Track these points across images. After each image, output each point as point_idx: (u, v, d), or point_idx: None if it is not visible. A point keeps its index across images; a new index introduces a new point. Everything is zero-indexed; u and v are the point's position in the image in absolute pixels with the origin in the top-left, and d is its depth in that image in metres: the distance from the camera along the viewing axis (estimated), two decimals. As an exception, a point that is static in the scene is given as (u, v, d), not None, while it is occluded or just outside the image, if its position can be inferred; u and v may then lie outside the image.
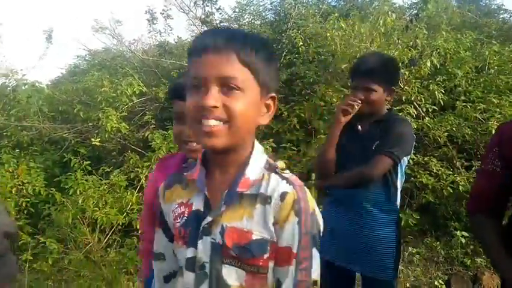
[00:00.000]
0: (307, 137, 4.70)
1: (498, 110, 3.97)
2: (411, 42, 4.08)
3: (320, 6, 5.67)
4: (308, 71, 4.86)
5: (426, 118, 4.20)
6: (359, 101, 1.84)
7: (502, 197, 1.25)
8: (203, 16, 5.32)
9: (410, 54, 4.02)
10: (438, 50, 4.26)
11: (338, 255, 1.91)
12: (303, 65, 4.99)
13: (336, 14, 4.98)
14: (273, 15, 6.17)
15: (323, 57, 5.01)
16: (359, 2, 8.97)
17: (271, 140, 4.24)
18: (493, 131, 3.90)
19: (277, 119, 4.84)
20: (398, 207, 1.89)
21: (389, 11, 4.03)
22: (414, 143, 1.91)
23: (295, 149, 4.36)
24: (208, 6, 5.33)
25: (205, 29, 5.42)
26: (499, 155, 1.21)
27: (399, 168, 1.84)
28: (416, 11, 4.31)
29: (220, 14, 5.65)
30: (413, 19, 4.28)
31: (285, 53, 5.21)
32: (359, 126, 1.93)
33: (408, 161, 1.95)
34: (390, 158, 1.76)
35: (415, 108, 4.25)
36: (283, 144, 4.36)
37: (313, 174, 2.10)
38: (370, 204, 1.84)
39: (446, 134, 3.86)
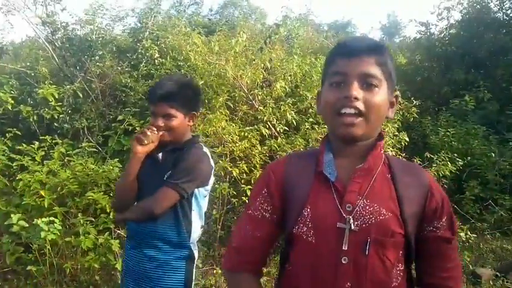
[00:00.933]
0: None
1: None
2: (263, 64, 4.16)
3: (181, 18, 5.47)
4: (166, 85, 4.60)
5: (279, 138, 4.31)
6: (155, 129, 1.66)
7: (268, 249, 1.10)
8: (44, 15, 4.64)
9: (261, 76, 4.08)
10: (290, 74, 4.43)
11: None
12: (161, 78, 4.72)
13: (196, 30, 4.86)
14: (135, 22, 5.78)
15: (182, 71, 4.82)
16: (235, 18, 9.19)
17: (116, 159, 3.83)
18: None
19: (129, 136, 4.46)
20: (193, 242, 1.74)
21: (241, 31, 4.04)
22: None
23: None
24: (51, 5, 4.67)
25: (48, 30, 4.76)
26: (267, 198, 1.07)
27: (194, 200, 1.71)
28: (269, 34, 4.45)
29: (71, 15, 5.03)
30: (267, 41, 4.39)
31: (143, 63, 4.88)
32: (159, 155, 1.74)
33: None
34: (175, 191, 1.60)
35: (269, 128, 4.34)
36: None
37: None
38: (158, 241, 1.68)
39: (291, 155, 3.96)
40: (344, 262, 0.94)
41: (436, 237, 1.01)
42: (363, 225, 0.95)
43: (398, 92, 1.08)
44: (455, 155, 4.59)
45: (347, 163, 1.01)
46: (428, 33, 8.32)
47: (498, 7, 7.98)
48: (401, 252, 0.99)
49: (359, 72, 0.95)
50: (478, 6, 7.86)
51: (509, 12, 7.87)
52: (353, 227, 0.94)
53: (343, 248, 0.94)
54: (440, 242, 1.02)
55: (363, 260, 0.94)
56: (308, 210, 0.99)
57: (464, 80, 6.89)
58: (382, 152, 1.04)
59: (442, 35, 8.20)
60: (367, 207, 0.96)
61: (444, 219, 1.01)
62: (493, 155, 5.03)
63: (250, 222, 1.08)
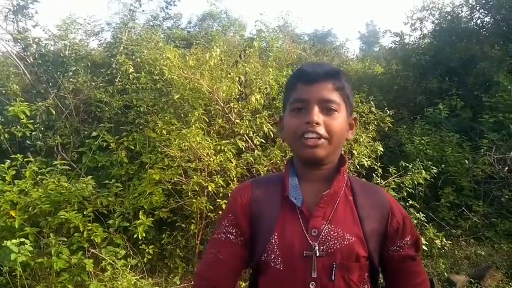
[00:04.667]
0: (140, 170, 4.37)
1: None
2: (238, 78, 4.17)
3: (156, 33, 5.45)
4: (141, 100, 4.58)
5: (256, 151, 4.31)
6: None
7: (234, 272, 1.08)
8: (15, 32, 4.57)
9: (237, 89, 4.09)
10: (265, 86, 4.45)
11: None
12: (136, 93, 4.69)
13: (172, 44, 4.86)
14: (111, 37, 5.74)
15: (158, 85, 4.81)
16: (214, 31, 9.23)
17: (90, 177, 3.77)
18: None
19: (104, 152, 4.41)
20: None
21: (215, 45, 4.06)
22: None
23: (120, 185, 3.95)
24: (22, 21, 4.60)
25: (20, 46, 4.69)
26: (233, 222, 1.07)
27: None
28: (244, 48, 4.48)
29: (44, 31, 4.97)
30: (241, 55, 4.42)
31: (118, 78, 4.84)
32: None
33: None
34: None
35: (246, 141, 4.34)
36: (107, 181, 3.92)
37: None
38: None
39: (266, 168, 3.97)
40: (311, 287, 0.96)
41: (401, 256, 1.04)
42: (329, 251, 0.97)
43: (355, 115, 1.12)
44: (430, 162, 4.68)
45: (312, 188, 1.03)
46: (403, 43, 8.53)
47: (468, 17, 8.24)
48: (366, 274, 1.01)
49: (318, 97, 0.99)
50: (449, 16, 8.10)
51: (478, 22, 8.15)
52: (318, 253, 0.96)
53: (313, 276, 0.95)
54: (405, 260, 1.05)
55: (330, 284, 0.96)
56: (276, 237, 1.00)
57: (438, 89, 7.06)
58: (344, 175, 1.06)
59: (416, 44, 8.42)
60: (332, 233, 0.98)
61: (407, 238, 1.05)
62: (467, 162, 5.14)
63: (214, 245, 1.09)
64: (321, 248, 0.97)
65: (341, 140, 1.03)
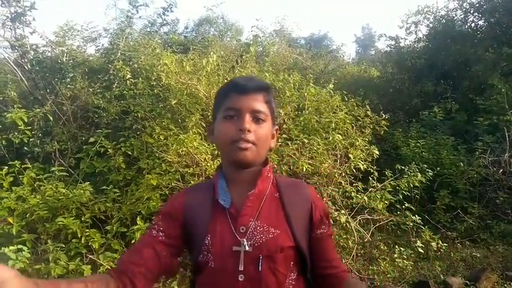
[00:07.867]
0: (138, 176, 4.38)
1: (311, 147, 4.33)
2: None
3: (153, 38, 5.48)
4: (138, 106, 4.60)
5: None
6: None
7: (151, 267, 1.07)
8: (13, 39, 4.59)
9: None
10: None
11: None
12: (133, 98, 4.71)
13: (169, 49, 4.88)
14: (108, 43, 5.77)
15: (155, 91, 4.83)
16: (210, 36, 9.27)
17: (87, 183, 3.78)
18: (304, 169, 4.32)
19: (102, 158, 4.42)
20: None
21: (212, 51, 4.09)
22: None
23: (118, 191, 3.96)
24: (20, 28, 4.62)
25: (17, 53, 4.71)
26: (164, 225, 1.12)
27: None
28: (240, 53, 4.51)
29: (41, 37, 4.99)
30: (238, 60, 4.45)
31: (115, 84, 4.86)
32: None
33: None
34: None
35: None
36: (104, 187, 3.93)
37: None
38: None
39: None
40: (240, 280, 1.05)
41: (325, 235, 1.18)
42: (255, 245, 1.07)
43: (277, 126, 1.23)
44: (426, 165, 4.72)
45: (239, 189, 1.13)
46: (398, 47, 8.59)
47: (462, 21, 8.32)
48: (292, 262, 1.10)
49: (250, 108, 1.10)
50: (444, 20, 8.18)
51: (473, 25, 8.23)
52: (247, 248, 1.06)
53: (240, 269, 1.04)
54: (327, 238, 1.20)
55: (258, 275, 1.05)
56: (209, 238, 1.09)
57: (433, 92, 7.12)
58: (270, 175, 1.17)
59: (411, 48, 8.49)
60: (258, 228, 1.08)
61: (327, 222, 1.20)
62: (462, 164, 5.19)
63: (142, 239, 1.13)
64: (249, 243, 1.06)
65: (266, 146, 1.14)
